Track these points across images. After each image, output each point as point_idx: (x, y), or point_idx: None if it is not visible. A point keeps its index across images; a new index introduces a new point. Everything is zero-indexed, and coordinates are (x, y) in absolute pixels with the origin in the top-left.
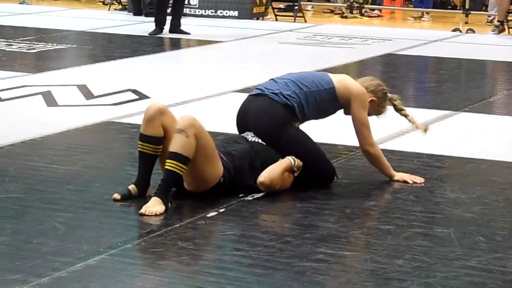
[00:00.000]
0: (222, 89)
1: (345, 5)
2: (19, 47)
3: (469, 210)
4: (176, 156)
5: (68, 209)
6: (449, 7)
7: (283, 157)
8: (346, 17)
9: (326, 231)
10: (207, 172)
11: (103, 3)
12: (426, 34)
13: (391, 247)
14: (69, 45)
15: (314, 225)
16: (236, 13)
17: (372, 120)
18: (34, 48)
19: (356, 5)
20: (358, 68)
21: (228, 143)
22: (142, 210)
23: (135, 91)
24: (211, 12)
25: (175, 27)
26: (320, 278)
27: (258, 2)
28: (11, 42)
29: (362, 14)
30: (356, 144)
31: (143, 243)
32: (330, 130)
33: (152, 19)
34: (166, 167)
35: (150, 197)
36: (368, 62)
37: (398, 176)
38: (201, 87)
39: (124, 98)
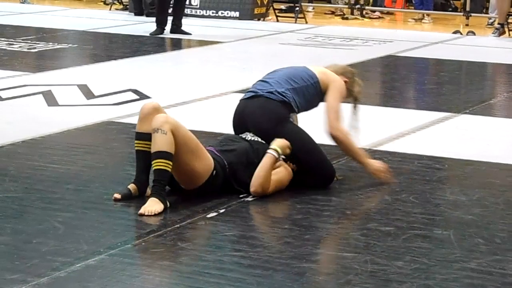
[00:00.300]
0: (223, 90)
1: (346, 6)
2: (20, 47)
3: (469, 212)
4: (158, 154)
5: (67, 209)
6: (450, 9)
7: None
8: (347, 18)
9: (326, 232)
10: (195, 166)
11: (104, 3)
12: (427, 36)
13: (391, 249)
14: (70, 45)
15: (314, 226)
16: (237, 13)
17: (372, 122)
18: (35, 48)
19: (357, 6)
20: (359, 70)
21: (225, 143)
22: (141, 211)
23: (135, 91)
24: (212, 13)
25: (176, 28)
26: (320, 279)
27: (259, 3)
28: (12, 41)
29: (363, 16)
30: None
31: (143, 244)
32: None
33: (153, 19)
34: (153, 167)
35: (149, 197)
36: (368, 64)
37: (371, 167)
38: (202, 87)
39: (124, 98)
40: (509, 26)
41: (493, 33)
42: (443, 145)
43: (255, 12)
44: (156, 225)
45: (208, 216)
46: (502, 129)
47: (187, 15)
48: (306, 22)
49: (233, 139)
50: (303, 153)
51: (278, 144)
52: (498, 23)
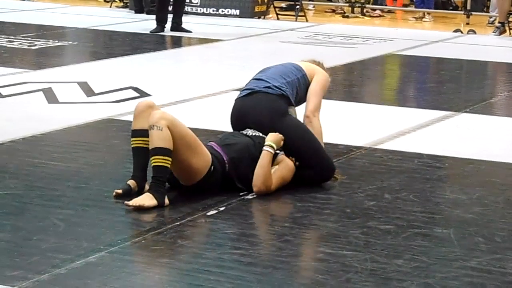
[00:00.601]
0: (223, 88)
1: (347, 4)
2: (20, 44)
3: (469, 211)
4: (156, 151)
5: (68, 206)
6: (451, 7)
7: (283, 149)
8: (347, 16)
9: (326, 231)
10: (193, 161)
11: (105, 0)
12: (427, 34)
13: (391, 247)
14: (70, 42)
15: (314, 224)
16: (237, 11)
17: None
18: (35, 45)
19: (357, 4)
20: (359, 68)
21: (226, 137)
22: (130, 202)
23: (136, 89)
24: (213, 11)
25: (177, 25)
26: (320, 277)
27: (259, 1)
28: (12, 38)
29: (363, 14)
30: (357, 143)
31: (143, 241)
32: (331, 130)
33: (154, 17)
34: (151, 164)
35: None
36: (369, 62)
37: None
38: (202, 85)
39: (125, 95)
40: (510, 25)
41: (493, 32)
42: (443, 143)
43: (256, 10)
44: (156, 223)
45: (208, 214)
46: (502, 128)
47: (187, 13)
48: (307, 20)
49: (234, 135)
50: (303, 145)
51: (272, 139)
52: (499, 22)
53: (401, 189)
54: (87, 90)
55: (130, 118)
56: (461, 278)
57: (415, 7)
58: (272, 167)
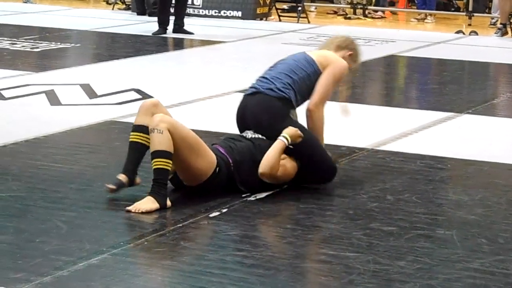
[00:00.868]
0: (225, 89)
1: (349, 6)
2: (23, 46)
3: (472, 212)
4: (157, 154)
5: (70, 208)
6: (453, 9)
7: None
8: (349, 18)
9: (329, 232)
10: (196, 163)
11: (107, 2)
12: (429, 36)
13: (393, 249)
14: (72, 44)
15: (316, 226)
16: (239, 13)
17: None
18: (37, 47)
19: (359, 6)
20: (361, 69)
21: (228, 141)
22: (130, 207)
23: (138, 91)
24: (215, 12)
25: (179, 27)
26: (323, 279)
27: (261, 2)
28: (15, 41)
29: (365, 16)
30: (359, 145)
31: (146, 243)
32: (333, 131)
33: (156, 18)
34: (152, 167)
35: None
36: (371, 64)
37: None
38: (204, 87)
39: (127, 97)
40: None
41: (495, 33)
42: (446, 145)
43: (258, 11)
44: (158, 225)
45: (211, 215)
46: (504, 129)
47: (189, 15)
48: (309, 22)
49: (235, 137)
50: (304, 147)
51: (289, 132)
52: (501, 23)
53: (404, 190)
54: (90, 92)
55: (132, 120)
56: (464, 279)
57: (417, 8)
58: None
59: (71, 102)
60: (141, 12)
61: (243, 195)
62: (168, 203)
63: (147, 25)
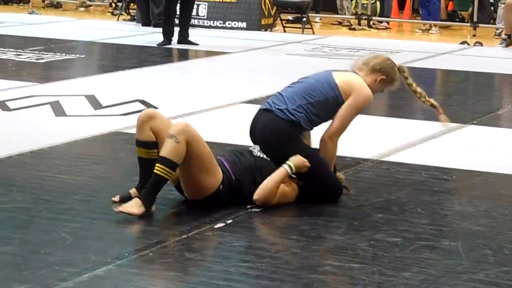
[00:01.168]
0: (230, 100)
1: (353, 17)
2: (28, 57)
3: (477, 223)
4: (163, 161)
5: (75, 219)
6: (457, 19)
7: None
8: (354, 29)
9: (333, 243)
10: (203, 179)
11: (112, 13)
12: (434, 46)
13: (398, 260)
14: (77, 55)
15: (321, 237)
16: (244, 24)
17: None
18: (43, 58)
19: (364, 17)
20: None
21: (234, 154)
22: (120, 208)
23: (143, 102)
24: (219, 23)
25: (183, 38)
26: None
27: (266, 13)
28: (20, 52)
29: (370, 26)
30: (364, 156)
31: (150, 254)
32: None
33: (161, 29)
34: (154, 170)
35: (155, 210)
36: None
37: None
38: (209, 98)
39: (132, 108)
40: None
41: (500, 44)
42: (451, 156)
43: (262, 22)
44: (163, 236)
45: (216, 226)
46: (509, 140)
47: (194, 26)
48: (313, 33)
49: (242, 152)
50: (309, 169)
51: (295, 161)
52: (505, 34)
53: (409, 201)
54: (94, 103)
55: None
56: None
57: (422, 19)
58: None
59: (76, 113)
60: (146, 23)
61: (248, 206)
62: (153, 208)
63: (152, 36)
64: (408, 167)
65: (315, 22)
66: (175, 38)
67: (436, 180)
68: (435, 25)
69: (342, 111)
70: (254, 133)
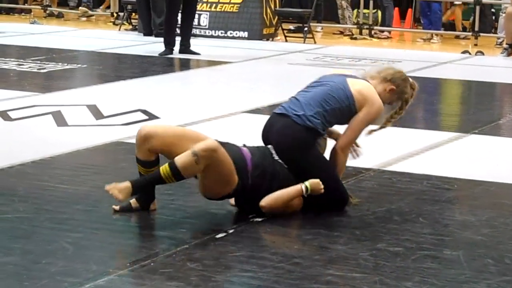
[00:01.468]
0: (232, 110)
1: (355, 26)
2: (30, 67)
3: (478, 233)
4: (174, 169)
5: (77, 229)
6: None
7: (297, 183)
8: (355, 38)
9: (335, 253)
10: (219, 189)
11: (114, 23)
12: (436, 56)
13: (400, 269)
14: (79, 65)
15: (323, 246)
16: (245, 34)
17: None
18: (44, 68)
19: (365, 26)
20: None
21: (260, 156)
22: (108, 187)
23: (144, 111)
24: (221, 33)
25: (185, 48)
26: None
27: (268, 23)
28: (21, 61)
29: (371, 36)
30: (365, 165)
31: (152, 264)
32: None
33: (162, 39)
34: (160, 168)
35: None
36: None
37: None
38: (211, 107)
39: (133, 118)
40: None
41: (501, 53)
42: (452, 165)
43: (264, 32)
44: (165, 245)
45: (217, 236)
46: (511, 149)
47: (196, 36)
48: (315, 42)
49: (265, 153)
50: (320, 178)
51: (312, 184)
52: (507, 43)
53: (410, 211)
54: (96, 113)
55: None
56: None
57: (423, 28)
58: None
59: (77, 123)
60: (147, 33)
61: (250, 216)
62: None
63: (154, 46)
64: (410, 176)
65: (316, 31)
66: (176, 47)
67: (437, 189)
68: (437, 35)
69: (355, 123)
70: (268, 138)
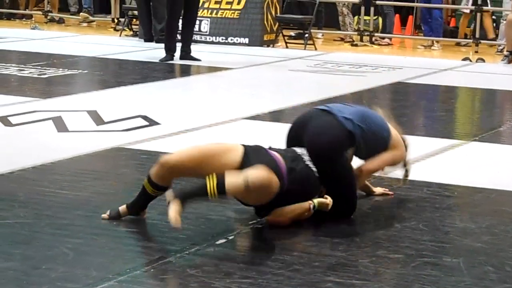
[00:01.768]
0: (232, 116)
1: (356, 33)
2: (31, 72)
3: (479, 240)
4: (221, 188)
5: (77, 235)
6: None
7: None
8: (356, 45)
9: (335, 260)
10: (258, 201)
11: (115, 29)
12: (436, 63)
13: (400, 276)
14: (80, 71)
15: (323, 253)
16: (246, 40)
17: None
18: (45, 74)
19: (366, 33)
20: (368, 96)
21: (291, 159)
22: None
23: (145, 117)
24: (222, 39)
25: (186, 54)
26: None
27: (268, 29)
28: (22, 67)
29: (372, 42)
30: None
31: (152, 270)
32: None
33: (163, 45)
34: (208, 183)
35: (144, 214)
36: (378, 91)
37: (377, 190)
38: (211, 113)
39: (134, 124)
40: None
41: (502, 60)
42: (453, 172)
43: (265, 38)
44: (165, 251)
45: (217, 242)
46: (511, 157)
47: (196, 42)
48: (316, 49)
49: (296, 157)
50: (343, 186)
51: (320, 202)
52: (507, 51)
53: (410, 217)
54: (97, 118)
55: (139, 146)
56: None
57: (424, 35)
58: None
59: (78, 129)
60: (148, 39)
61: (250, 222)
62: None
63: (154, 52)
64: (410, 183)
65: (317, 38)
66: (177, 54)
67: (438, 196)
68: (437, 42)
69: (386, 157)
70: (301, 132)
